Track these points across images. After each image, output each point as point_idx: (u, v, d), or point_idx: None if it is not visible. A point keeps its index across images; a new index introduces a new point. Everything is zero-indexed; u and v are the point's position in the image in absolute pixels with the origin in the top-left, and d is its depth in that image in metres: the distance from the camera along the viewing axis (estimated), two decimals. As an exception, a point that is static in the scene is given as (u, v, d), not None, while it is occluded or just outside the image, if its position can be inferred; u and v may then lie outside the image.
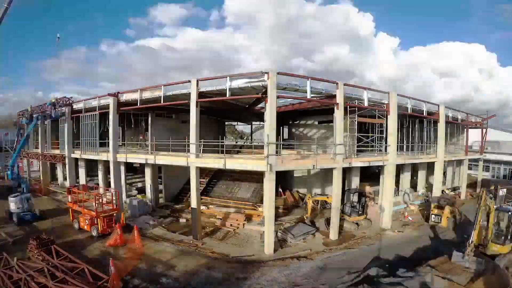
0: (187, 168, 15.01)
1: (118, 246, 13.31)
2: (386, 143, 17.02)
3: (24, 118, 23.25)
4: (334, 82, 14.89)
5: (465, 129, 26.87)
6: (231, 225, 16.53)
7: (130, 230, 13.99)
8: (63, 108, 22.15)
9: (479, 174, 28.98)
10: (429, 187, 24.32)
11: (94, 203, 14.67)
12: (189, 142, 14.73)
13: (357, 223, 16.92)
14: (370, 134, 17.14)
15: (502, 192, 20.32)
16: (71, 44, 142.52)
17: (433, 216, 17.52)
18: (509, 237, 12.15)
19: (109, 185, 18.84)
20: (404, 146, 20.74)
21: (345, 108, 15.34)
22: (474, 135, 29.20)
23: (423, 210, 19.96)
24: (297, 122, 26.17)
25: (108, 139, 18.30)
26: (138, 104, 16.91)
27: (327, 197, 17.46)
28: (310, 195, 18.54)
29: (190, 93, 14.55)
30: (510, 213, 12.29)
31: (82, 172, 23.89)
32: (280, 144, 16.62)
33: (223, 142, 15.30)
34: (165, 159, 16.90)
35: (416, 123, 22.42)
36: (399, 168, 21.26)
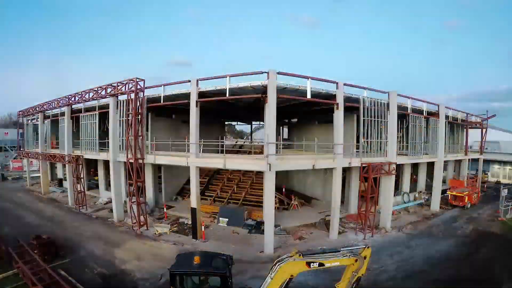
0: (187, 167, 15.00)
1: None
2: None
3: None
4: (334, 82, 14.86)
5: (465, 129, 26.80)
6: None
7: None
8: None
9: (479, 174, 28.90)
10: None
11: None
12: (189, 142, 14.71)
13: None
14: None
15: (503, 192, 20.31)
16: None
17: None
18: None
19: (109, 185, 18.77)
20: (404, 146, 20.66)
21: (348, 108, 15.30)
22: (474, 135, 29.22)
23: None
24: (297, 122, 26.11)
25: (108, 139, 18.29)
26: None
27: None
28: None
29: (190, 92, 14.55)
30: None
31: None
32: (280, 144, 16.56)
33: (223, 142, 15.29)
34: (165, 159, 16.87)
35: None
36: (400, 168, 21.20)
